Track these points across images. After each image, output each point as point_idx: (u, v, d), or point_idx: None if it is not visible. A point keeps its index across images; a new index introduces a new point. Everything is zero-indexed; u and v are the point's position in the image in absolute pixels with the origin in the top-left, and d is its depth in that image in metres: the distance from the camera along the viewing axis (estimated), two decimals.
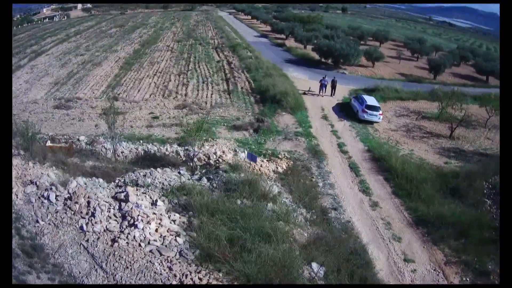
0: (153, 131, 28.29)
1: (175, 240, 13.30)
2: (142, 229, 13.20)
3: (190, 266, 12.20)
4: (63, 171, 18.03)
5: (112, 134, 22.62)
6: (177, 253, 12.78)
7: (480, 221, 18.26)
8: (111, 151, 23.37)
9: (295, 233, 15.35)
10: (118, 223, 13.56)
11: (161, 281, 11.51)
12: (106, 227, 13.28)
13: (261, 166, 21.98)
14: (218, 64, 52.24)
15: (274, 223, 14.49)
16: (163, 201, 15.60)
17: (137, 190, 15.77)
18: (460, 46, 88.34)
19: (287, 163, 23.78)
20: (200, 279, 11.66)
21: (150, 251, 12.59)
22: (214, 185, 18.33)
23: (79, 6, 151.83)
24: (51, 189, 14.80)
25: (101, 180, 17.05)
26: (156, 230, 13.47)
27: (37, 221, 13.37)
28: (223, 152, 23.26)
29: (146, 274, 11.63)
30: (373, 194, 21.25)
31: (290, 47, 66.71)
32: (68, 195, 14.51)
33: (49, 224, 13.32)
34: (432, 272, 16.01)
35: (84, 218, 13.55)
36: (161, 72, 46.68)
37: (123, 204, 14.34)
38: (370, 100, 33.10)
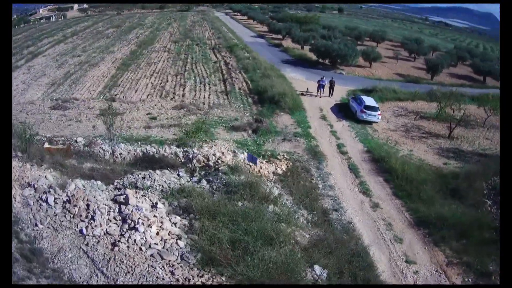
0: (151, 132, 28.12)
1: (176, 243, 13.13)
2: (143, 232, 13.02)
3: (192, 270, 12.05)
4: (61, 173, 17.81)
5: (110, 135, 22.41)
6: (179, 257, 12.62)
7: (480, 221, 18.22)
8: (109, 152, 23.17)
9: (297, 235, 15.23)
10: (118, 226, 13.37)
11: None
12: (106, 230, 13.08)
13: (260, 167, 21.84)
14: (215, 64, 52.11)
15: (275, 225, 14.36)
16: (163, 203, 15.43)
17: (136, 192, 15.58)
18: (457, 46, 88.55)
19: (286, 164, 23.66)
20: (203, 283, 11.51)
21: (151, 255, 12.42)
22: (214, 187, 18.17)
23: (76, 6, 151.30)
24: (49, 192, 14.58)
25: (99, 182, 16.86)
26: (157, 234, 13.31)
27: (36, 225, 13.16)
28: (222, 153, 23.10)
29: (148, 279, 11.48)
30: (374, 195, 21.16)
31: (287, 47, 66.62)
32: (67, 198, 14.31)
33: (48, 227, 13.12)
34: (434, 273, 15.94)
35: (83, 221, 13.35)
36: (158, 73, 46.49)
37: (123, 207, 14.16)
38: (369, 100, 33.04)
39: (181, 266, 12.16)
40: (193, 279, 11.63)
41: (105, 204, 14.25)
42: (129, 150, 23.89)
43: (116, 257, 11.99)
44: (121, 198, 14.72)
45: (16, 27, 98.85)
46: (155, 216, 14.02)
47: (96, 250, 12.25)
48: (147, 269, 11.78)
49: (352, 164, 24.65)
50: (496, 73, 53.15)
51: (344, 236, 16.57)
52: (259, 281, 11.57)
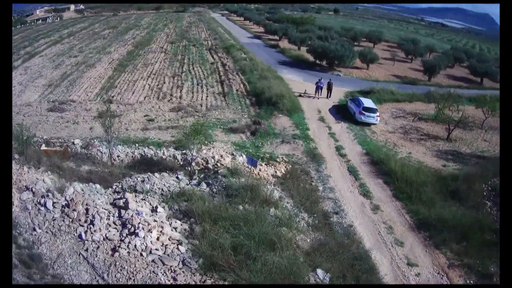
0: (149, 134, 27.95)
1: (177, 248, 12.95)
2: (143, 237, 12.81)
3: (194, 276, 11.89)
4: (59, 176, 17.61)
5: (108, 138, 22.22)
6: (180, 262, 12.43)
7: (480, 223, 18.19)
8: (107, 155, 22.95)
9: (298, 239, 15.11)
10: (118, 231, 13.17)
11: None
12: (105, 235, 12.87)
13: (259, 170, 21.69)
14: (212, 66, 51.97)
15: (277, 229, 14.23)
16: (163, 207, 15.24)
17: (136, 196, 15.40)
18: (453, 47, 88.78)
19: (285, 166, 23.53)
20: None
21: (153, 260, 12.23)
22: (214, 190, 18.02)
23: (72, 7, 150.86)
24: (47, 195, 14.37)
25: (98, 186, 16.66)
26: (158, 239, 13.11)
27: (34, 229, 12.93)
28: (221, 156, 22.93)
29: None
30: (374, 197, 21.07)
31: (284, 48, 66.59)
32: (66, 202, 14.09)
33: (46, 232, 12.90)
34: (436, 275, 15.88)
35: (82, 226, 13.14)
36: (155, 74, 46.31)
37: (122, 211, 13.97)
38: (367, 102, 32.99)
39: (183, 272, 11.98)
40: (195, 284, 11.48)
41: (105, 209, 14.05)
42: (127, 152, 23.68)
43: (117, 263, 11.80)
44: (121, 202, 14.53)
45: (13, 28, 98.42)
46: (155, 220, 13.83)
47: (96, 256, 12.04)
48: (149, 275, 11.59)
49: (351, 166, 24.55)
50: (493, 74, 53.34)
51: (345, 240, 16.45)
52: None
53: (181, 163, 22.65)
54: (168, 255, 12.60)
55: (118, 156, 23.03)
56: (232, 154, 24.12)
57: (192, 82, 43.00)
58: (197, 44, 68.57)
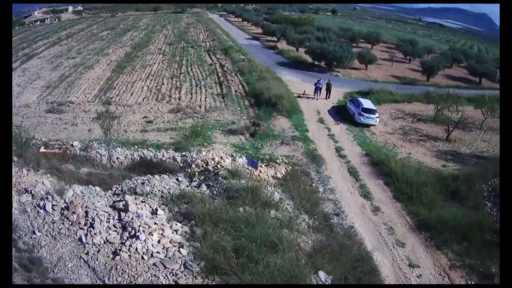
0: (148, 136, 27.84)
1: (179, 251, 12.88)
2: (144, 240, 12.73)
3: (196, 279, 11.82)
4: (58, 178, 17.53)
5: (107, 140, 22.13)
6: (182, 265, 12.37)
7: (481, 223, 18.18)
8: (106, 157, 22.87)
9: (300, 241, 15.04)
10: (118, 234, 13.08)
11: None
12: (106, 238, 12.79)
13: (260, 171, 21.62)
14: (211, 67, 51.85)
15: (279, 231, 14.17)
16: (163, 209, 15.16)
17: (135, 198, 15.32)
18: (451, 47, 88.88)
19: (285, 168, 23.47)
20: None
21: (154, 264, 12.15)
22: (215, 192, 17.95)
23: (70, 8, 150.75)
24: (47, 198, 14.28)
25: (97, 188, 16.57)
26: (159, 241, 13.04)
27: (34, 232, 12.85)
28: (221, 157, 22.85)
29: None
30: (374, 198, 21.03)
31: (282, 49, 66.42)
32: (65, 204, 14.01)
33: (46, 235, 12.82)
34: (437, 276, 15.87)
35: (82, 229, 13.06)
36: (153, 75, 46.18)
37: (122, 214, 13.88)
38: (366, 103, 32.93)
39: (184, 275, 11.92)
40: None
41: (104, 211, 13.96)
42: (126, 154, 23.59)
43: (118, 267, 11.72)
44: (121, 205, 14.45)
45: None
46: (155, 223, 13.75)
47: (97, 260, 11.95)
48: (150, 278, 11.52)
49: (351, 167, 24.51)
50: (491, 74, 53.42)
51: (346, 241, 16.39)
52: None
53: (181, 165, 22.57)
54: (169, 258, 12.52)
55: (117, 158, 22.95)
56: (232, 156, 24.05)
57: (190, 84, 42.88)
58: (195, 45, 68.44)
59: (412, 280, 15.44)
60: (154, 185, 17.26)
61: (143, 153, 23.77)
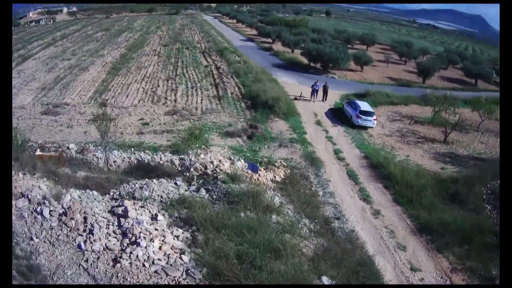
0: (144, 138, 27.62)
1: (180, 258, 12.63)
2: (145, 247, 12.46)
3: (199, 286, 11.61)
4: (55, 182, 17.22)
5: (104, 143, 21.85)
6: (184, 272, 12.13)
7: (481, 226, 18.12)
8: (103, 160, 22.56)
9: (302, 246, 14.86)
10: (118, 240, 12.80)
11: None
12: (106, 245, 12.50)
13: (259, 175, 21.40)
14: (206, 69, 51.63)
15: (281, 236, 13.99)
16: (163, 215, 14.91)
17: (134, 204, 15.04)
18: (447, 49, 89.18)
19: (284, 171, 23.28)
20: None
21: (156, 271, 11.89)
22: (214, 196, 17.73)
23: (65, 9, 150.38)
24: (44, 203, 13.96)
25: (95, 192, 16.28)
26: (160, 248, 12.77)
27: (31, 239, 12.54)
28: (220, 161, 22.61)
29: None
30: (374, 202, 20.91)
31: (278, 51, 66.33)
32: (63, 210, 13.71)
33: (44, 242, 12.51)
34: (439, 280, 15.79)
35: (81, 235, 12.76)
36: (149, 77, 45.88)
37: (122, 220, 13.61)
38: (364, 105, 32.86)
39: (187, 282, 11.70)
40: None
41: (103, 217, 13.68)
42: (123, 157, 23.27)
43: (119, 275, 11.46)
44: (120, 210, 14.19)
45: None
46: (156, 229, 13.48)
47: (97, 267, 11.67)
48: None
49: (350, 170, 24.39)
50: (487, 76, 53.62)
51: (348, 245, 16.25)
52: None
53: (179, 168, 22.27)
54: (171, 265, 12.27)
55: (114, 162, 22.63)
56: (230, 159, 23.83)
57: (186, 85, 42.65)
58: (191, 47, 68.22)
59: (414, 284, 15.34)
60: (153, 189, 17.00)
61: (140, 156, 23.47)
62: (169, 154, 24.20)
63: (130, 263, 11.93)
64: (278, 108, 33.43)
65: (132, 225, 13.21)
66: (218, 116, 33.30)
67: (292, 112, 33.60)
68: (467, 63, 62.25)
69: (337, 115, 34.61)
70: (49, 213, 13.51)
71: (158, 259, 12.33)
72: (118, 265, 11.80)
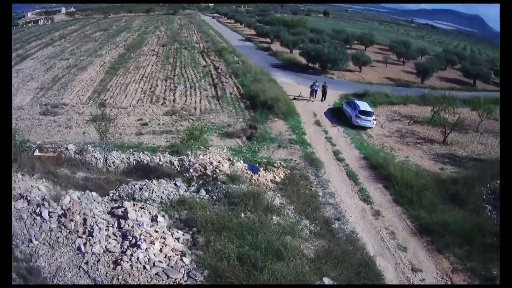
0: (143, 139, 27.55)
1: (181, 260, 12.53)
2: (146, 249, 12.35)
3: None
4: (54, 183, 17.12)
5: (103, 143, 21.74)
6: (185, 274, 12.04)
7: (481, 226, 18.08)
8: (102, 161, 22.46)
9: (303, 247, 14.80)
10: (118, 243, 12.68)
11: None
12: (106, 247, 12.38)
13: (258, 176, 21.33)
14: (205, 69, 51.57)
15: (282, 238, 13.93)
16: (163, 216, 14.79)
17: (134, 205, 14.93)
18: (445, 49, 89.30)
19: (284, 172, 23.21)
20: None
21: (156, 273, 11.77)
22: (214, 197, 17.63)
23: (63, 10, 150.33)
24: (43, 205, 13.83)
25: (94, 193, 16.13)
26: (161, 250, 12.64)
27: (31, 241, 12.42)
28: (219, 162, 22.52)
29: None
30: (374, 202, 20.86)
31: (276, 51, 66.29)
32: (62, 211, 13.57)
33: (43, 244, 12.40)
34: (440, 280, 15.76)
35: (81, 237, 12.64)
36: (147, 77, 45.81)
37: (122, 221, 13.50)
38: (363, 105, 32.81)
39: (188, 284, 11.62)
40: None
41: (103, 219, 13.56)
42: (122, 158, 23.19)
43: (120, 277, 11.36)
44: (119, 212, 14.07)
45: None
46: (156, 231, 13.37)
47: (98, 270, 11.56)
48: None
49: (350, 170, 24.33)
50: (485, 76, 53.72)
51: (349, 247, 16.19)
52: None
53: (178, 169, 22.19)
54: (172, 267, 12.16)
55: (113, 162, 22.53)
56: (229, 160, 23.75)
57: (185, 85, 42.57)
58: (189, 47, 68.17)
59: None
60: (152, 190, 16.88)
61: (139, 157, 23.38)
62: (168, 155, 24.12)
63: (131, 265, 11.83)
64: (277, 108, 33.36)
65: (132, 227, 13.11)
66: (217, 116, 33.23)
67: (291, 112, 33.53)
68: (465, 63, 62.35)
69: (336, 115, 34.56)
70: (49, 215, 13.38)
71: (159, 261, 12.21)
72: (119, 267, 11.69)
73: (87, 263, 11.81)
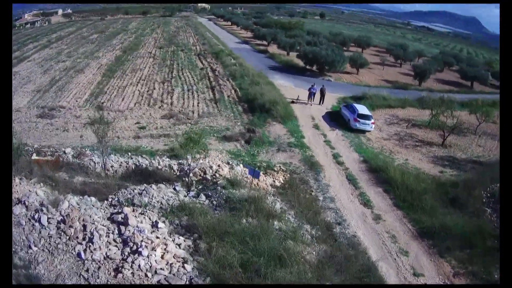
0: (141, 142, 27.36)
1: (183, 267, 12.36)
2: (147, 256, 12.18)
3: None
4: (52, 188, 16.94)
5: (102, 147, 21.53)
6: (187, 281, 11.88)
7: (482, 229, 18.06)
8: (100, 165, 22.23)
9: (305, 253, 14.67)
10: (119, 249, 12.48)
11: None
12: (106, 254, 12.18)
13: (258, 180, 21.16)
14: (202, 71, 51.45)
15: (284, 243, 13.79)
16: (164, 222, 14.62)
17: (134, 210, 14.76)
18: (442, 51, 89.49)
19: (284, 176, 23.07)
20: None
21: (158, 281, 11.64)
22: (214, 202, 17.46)
23: (60, 11, 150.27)
24: (41, 210, 13.62)
25: (93, 199, 15.92)
26: (162, 257, 12.47)
27: (30, 247, 12.24)
28: (219, 166, 22.34)
29: None
30: (375, 206, 20.77)
31: (273, 53, 66.22)
32: (61, 217, 13.36)
33: (43, 250, 12.21)
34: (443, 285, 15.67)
35: (80, 244, 12.45)
36: (144, 80, 45.64)
37: (122, 227, 13.31)
38: (362, 108, 32.72)
39: (188, 285, 11.47)
40: None
41: (103, 225, 13.36)
42: (121, 162, 22.96)
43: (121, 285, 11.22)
44: (119, 217, 13.87)
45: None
46: (157, 237, 13.17)
47: (98, 277, 11.37)
48: None
49: (350, 174, 24.23)
50: (483, 78, 53.82)
51: (351, 251, 16.08)
52: None
53: (177, 173, 21.98)
54: (174, 274, 11.97)
55: (111, 166, 22.30)
56: (228, 164, 23.58)
57: (182, 88, 42.40)
58: (186, 49, 68.06)
59: None
60: (152, 195, 16.67)
61: (138, 161, 23.16)
62: (167, 159, 23.94)
63: (132, 273, 11.64)
64: (276, 111, 33.22)
65: (133, 233, 12.92)
66: (215, 120, 33.08)
67: (289, 116, 33.40)
68: (462, 65, 62.53)
69: (335, 118, 34.48)
70: (47, 221, 13.18)
71: (161, 269, 12.02)
72: (120, 275, 11.50)
73: (87, 270, 11.62)
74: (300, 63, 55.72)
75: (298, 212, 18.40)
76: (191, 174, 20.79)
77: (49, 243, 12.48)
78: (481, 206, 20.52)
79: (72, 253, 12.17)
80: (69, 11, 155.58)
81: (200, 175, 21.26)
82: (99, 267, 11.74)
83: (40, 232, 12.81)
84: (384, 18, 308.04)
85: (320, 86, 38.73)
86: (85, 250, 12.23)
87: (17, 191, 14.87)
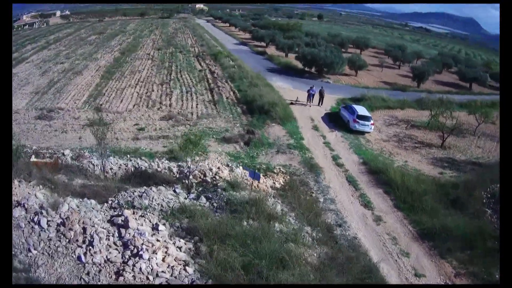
0: (140, 144, 27.26)
1: (184, 270, 12.30)
2: (148, 259, 12.11)
3: None
4: (51, 190, 16.84)
5: (101, 149, 21.43)
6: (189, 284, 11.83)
7: (482, 230, 18.04)
8: (99, 167, 22.12)
9: (307, 255, 14.61)
10: (119, 252, 12.41)
11: None
12: (107, 257, 12.10)
13: (258, 182, 21.09)
14: (201, 73, 51.35)
15: (285, 246, 13.73)
16: (164, 225, 14.55)
17: (134, 213, 14.68)
18: (440, 52, 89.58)
19: (283, 178, 22.99)
20: None
21: (160, 284, 11.58)
22: (215, 204, 17.40)
23: (58, 13, 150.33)
24: (41, 213, 13.55)
25: (93, 201, 15.85)
26: (163, 260, 12.41)
27: (29, 250, 12.16)
28: (219, 168, 22.26)
29: None
30: (375, 208, 20.72)
31: (272, 55, 66.13)
32: (61, 220, 13.28)
33: (42, 253, 12.13)
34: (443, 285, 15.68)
35: (80, 247, 12.37)
36: (143, 82, 45.51)
37: (122, 230, 13.23)
38: (361, 110, 32.68)
39: (188, 285, 11.39)
40: None
41: (103, 228, 13.29)
42: (120, 164, 22.85)
43: None
44: (119, 220, 13.80)
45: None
46: (158, 240, 13.10)
47: (99, 281, 11.28)
48: None
49: (349, 176, 24.18)
50: (481, 79, 53.83)
51: (352, 253, 16.04)
52: None
53: (177, 175, 21.89)
54: (175, 277, 11.90)
55: (111, 169, 22.16)
56: (227, 165, 23.49)
57: (181, 90, 42.29)
58: (184, 51, 67.96)
59: None
60: (152, 198, 16.59)
61: (138, 163, 23.05)
62: (166, 161, 23.84)
63: (134, 276, 11.57)
64: (275, 113, 33.17)
65: (134, 236, 12.85)
66: (214, 121, 33.01)
67: (288, 117, 33.35)
68: (461, 66, 62.62)
69: (334, 120, 34.43)
70: (47, 223, 13.11)
71: (162, 272, 11.95)
72: (121, 278, 11.43)
73: (88, 273, 11.54)
74: (299, 64, 55.64)
75: (298, 214, 18.34)
76: (191, 176, 20.71)
77: (49, 246, 12.41)
78: (481, 207, 20.50)
79: (72, 256, 12.10)
80: (67, 12, 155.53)
81: (200, 177, 21.17)
82: (100, 270, 11.67)
83: (39, 235, 12.74)
84: (382, 19, 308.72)
85: (318, 87, 38.66)
86: (85, 253, 12.16)
87: (17, 194, 14.80)
